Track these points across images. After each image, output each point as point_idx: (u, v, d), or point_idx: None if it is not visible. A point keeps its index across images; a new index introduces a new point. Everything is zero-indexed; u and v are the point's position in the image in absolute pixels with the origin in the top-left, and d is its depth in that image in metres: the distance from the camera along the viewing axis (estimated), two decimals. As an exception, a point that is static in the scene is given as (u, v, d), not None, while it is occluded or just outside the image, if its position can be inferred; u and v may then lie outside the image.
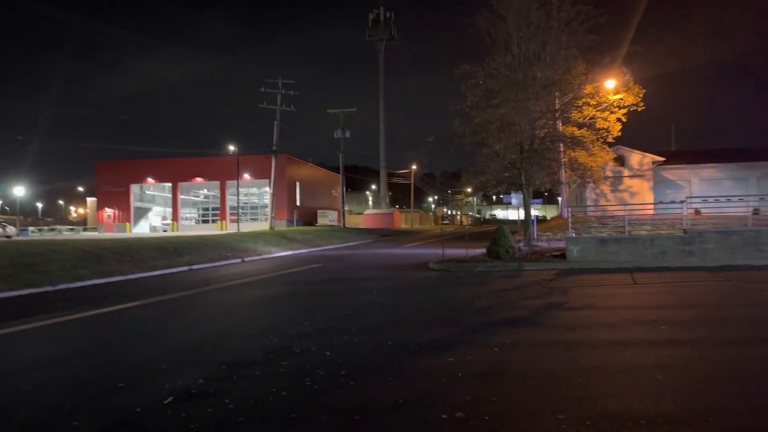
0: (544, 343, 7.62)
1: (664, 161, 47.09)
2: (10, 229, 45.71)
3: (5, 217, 75.27)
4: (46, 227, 73.13)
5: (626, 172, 46.39)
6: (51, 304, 12.35)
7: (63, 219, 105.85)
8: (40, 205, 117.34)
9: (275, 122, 46.54)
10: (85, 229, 71.82)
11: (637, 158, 46.60)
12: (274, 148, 46.97)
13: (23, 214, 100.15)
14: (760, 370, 6.23)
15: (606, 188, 43.05)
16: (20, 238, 40.60)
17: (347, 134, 57.98)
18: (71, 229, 70.91)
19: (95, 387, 6.10)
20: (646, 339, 7.68)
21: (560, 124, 25.39)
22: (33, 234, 59.63)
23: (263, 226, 51.98)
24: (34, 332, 9.40)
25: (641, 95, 31.43)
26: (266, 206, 58.00)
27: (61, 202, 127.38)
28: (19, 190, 78.68)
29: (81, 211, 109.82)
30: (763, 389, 5.52)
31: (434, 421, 4.80)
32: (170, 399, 5.51)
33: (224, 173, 60.04)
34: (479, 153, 23.41)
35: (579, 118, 28.23)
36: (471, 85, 22.04)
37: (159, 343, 8.33)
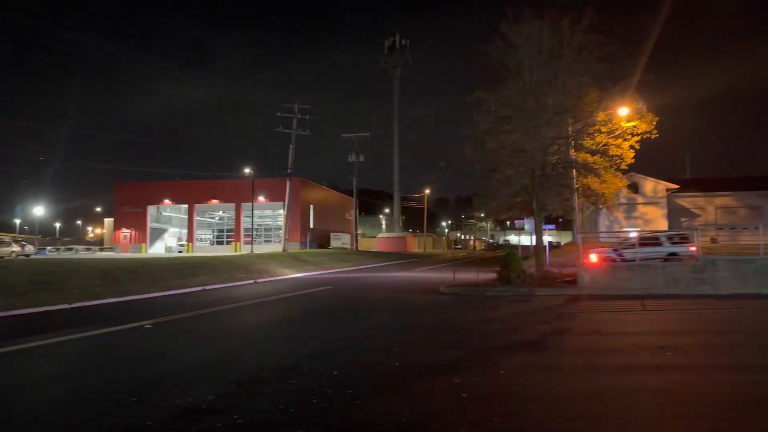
0: (550, 366, 7.70)
1: (678, 189, 46.92)
2: (29, 248, 46.41)
3: (24, 236, 76.49)
4: (63, 247, 74.14)
5: (640, 199, 46.27)
6: (66, 322, 12.60)
7: (80, 239, 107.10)
8: (58, 224, 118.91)
9: (290, 146, 47.17)
10: (101, 249, 72.67)
11: (651, 185, 46.50)
12: (288, 171, 47.50)
13: (41, 233, 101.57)
14: (761, 396, 6.26)
15: (620, 215, 42.91)
16: (38, 257, 41.23)
17: (361, 158, 58.51)
18: (88, 249, 71.82)
19: (107, 401, 6.28)
20: (650, 364, 7.74)
21: (573, 151, 25.50)
22: (50, 253, 60.48)
23: (277, 247, 52.25)
24: (48, 348, 9.62)
25: (654, 123, 31.58)
26: (280, 228, 58.37)
27: (78, 222, 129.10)
28: (38, 210, 79.97)
29: (98, 231, 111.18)
30: (762, 415, 5.56)
31: (436, 439, 4.92)
32: (180, 413, 5.68)
33: (239, 195, 60.68)
34: (491, 178, 23.59)
35: (591, 145, 28.37)
36: (483, 112, 22.30)
37: (171, 361, 8.51)
